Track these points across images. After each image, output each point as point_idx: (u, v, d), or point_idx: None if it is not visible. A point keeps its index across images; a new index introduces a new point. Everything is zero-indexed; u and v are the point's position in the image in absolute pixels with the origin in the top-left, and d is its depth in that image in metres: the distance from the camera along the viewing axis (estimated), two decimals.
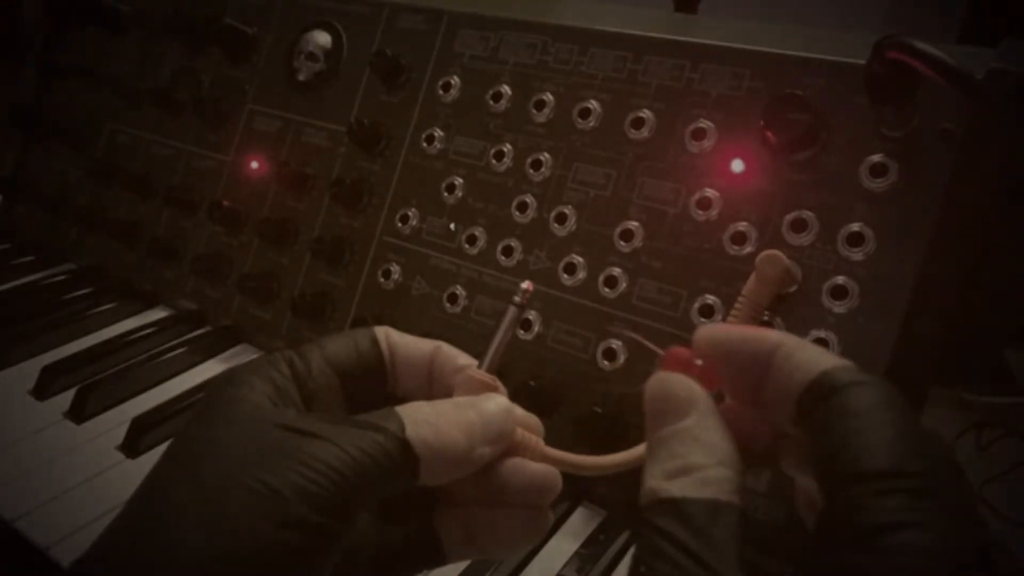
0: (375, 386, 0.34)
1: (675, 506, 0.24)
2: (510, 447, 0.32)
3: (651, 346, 0.33)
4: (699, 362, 0.28)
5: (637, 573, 0.24)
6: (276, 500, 0.25)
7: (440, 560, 0.34)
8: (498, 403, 0.32)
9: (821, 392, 0.25)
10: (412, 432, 0.29)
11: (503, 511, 0.32)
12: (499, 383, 0.34)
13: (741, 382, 0.28)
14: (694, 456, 0.25)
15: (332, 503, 0.26)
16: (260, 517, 0.25)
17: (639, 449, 0.35)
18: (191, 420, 0.29)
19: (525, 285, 0.35)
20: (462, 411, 0.31)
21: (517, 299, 0.35)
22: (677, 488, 0.24)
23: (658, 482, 0.25)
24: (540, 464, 0.32)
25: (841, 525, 0.22)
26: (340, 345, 0.33)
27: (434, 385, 0.34)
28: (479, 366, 0.34)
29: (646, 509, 0.25)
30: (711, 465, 0.25)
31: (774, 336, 0.27)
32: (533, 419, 0.34)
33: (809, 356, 0.26)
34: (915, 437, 0.22)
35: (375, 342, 0.34)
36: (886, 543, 0.20)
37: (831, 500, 0.22)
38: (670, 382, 0.27)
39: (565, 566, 0.50)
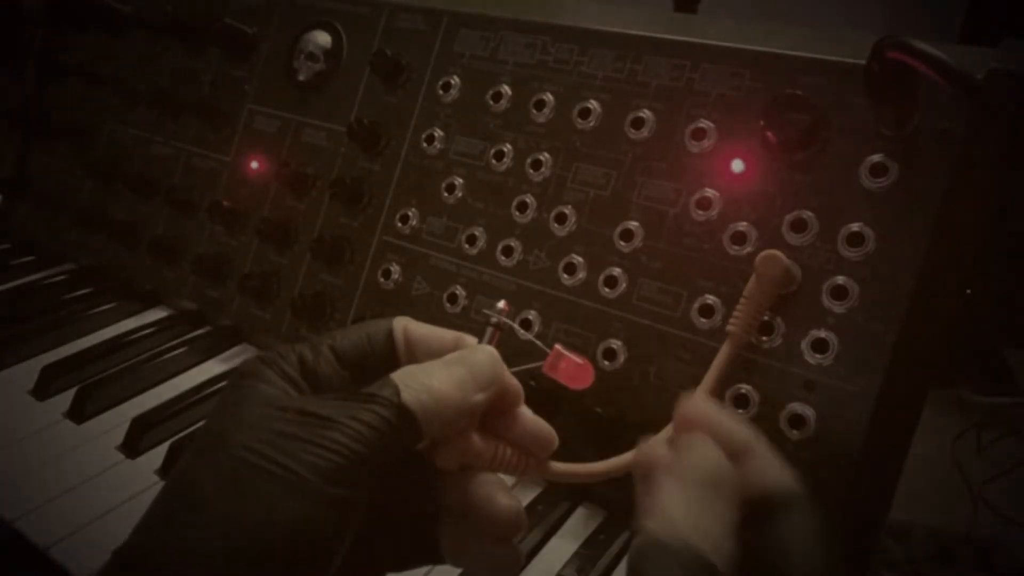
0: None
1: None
2: (503, 392, 0.34)
3: (540, 345, 0.37)
4: (580, 360, 0.34)
5: None
6: (295, 480, 0.27)
7: (439, 560, 0.36)
8: (485, 351, 0.34)
9: (783, 503, 0.31)
10: (407, 395, 0.31)
11: (477, 538, 0.34)
12: None
13: None
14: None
15: (346, 475, 0.28)
16: (282, 498, 0.27)
17: (626, 457, 0.36)
18: (212, 412, 0.31)
19: (501, 304, 0.37)
20: (452, 366, 0.33)
21: (494, 319, 0.37)
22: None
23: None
24: (507, 500, 0.34)
25: None
26: (352, 339, 0.35)
27: None
28: None
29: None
30: None
31: (749, 437, 0.33)
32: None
33: (775, 468, 0.33)
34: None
35: (390, 335, 0.35)
36: None
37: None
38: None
39: (565, 566, 0.50)
